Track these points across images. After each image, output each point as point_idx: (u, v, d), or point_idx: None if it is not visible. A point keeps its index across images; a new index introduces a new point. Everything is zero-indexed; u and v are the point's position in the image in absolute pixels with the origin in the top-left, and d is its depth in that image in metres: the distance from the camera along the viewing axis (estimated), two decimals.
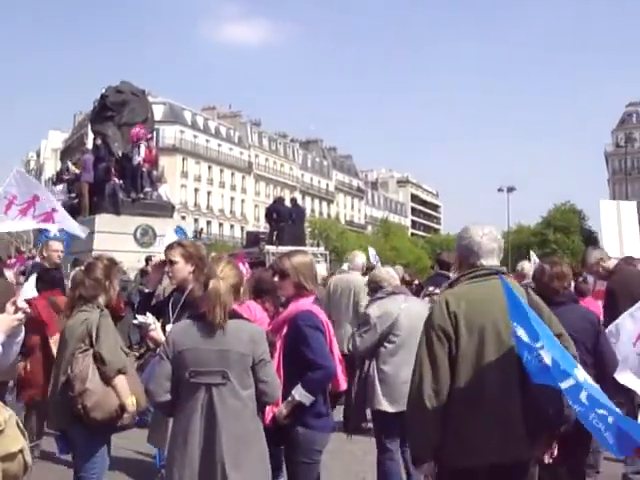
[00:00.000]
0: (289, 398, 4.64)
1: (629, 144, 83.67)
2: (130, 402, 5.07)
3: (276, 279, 5.07)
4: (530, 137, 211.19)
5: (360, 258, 10.89)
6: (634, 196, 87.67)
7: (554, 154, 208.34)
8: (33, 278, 7.82)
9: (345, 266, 12.76)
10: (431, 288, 9.18)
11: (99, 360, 5.06)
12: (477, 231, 4.08)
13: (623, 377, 5.78)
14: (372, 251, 19.58)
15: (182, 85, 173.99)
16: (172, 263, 5.43)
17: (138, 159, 20.96)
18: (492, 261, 4.03)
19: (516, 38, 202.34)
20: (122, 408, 5.07)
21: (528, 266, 11.46)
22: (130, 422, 5.19)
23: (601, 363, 5.35)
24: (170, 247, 5.59)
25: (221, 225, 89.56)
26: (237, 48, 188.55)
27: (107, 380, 5.06)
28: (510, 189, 65.52)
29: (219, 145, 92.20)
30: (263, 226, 58.83)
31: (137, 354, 9.19)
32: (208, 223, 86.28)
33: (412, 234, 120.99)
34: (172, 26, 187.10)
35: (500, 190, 66.13)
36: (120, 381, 5.09)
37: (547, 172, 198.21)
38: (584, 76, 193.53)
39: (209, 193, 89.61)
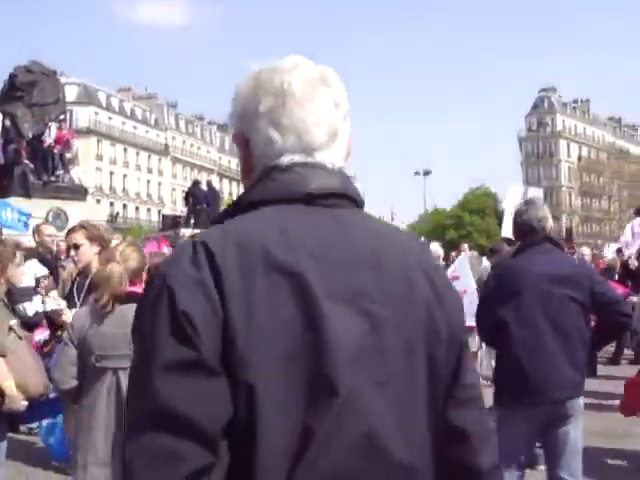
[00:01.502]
0: None
1: (541, 129, 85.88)
2: (8, 385, 4.93)
3: None
4: (448, 121, 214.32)
5: None
6: (545, 179, 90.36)
7: (471, 138, 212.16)
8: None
9: None
10: None
11: None
12: None
13: None
14: None
15: (97, 66, 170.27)
16: (77, 247, 5.31)
17: (49, 141, 20.52)
18: None
19: (433, 22, 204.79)
20: (1, 393, 4.93)
21: (436, 246, 13.66)
22: (17, 407, 5.01)
23: None
24: (73, 230, 5.47)
25: (137, 209, 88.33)
26: (154, 28, 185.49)
27: None
28: (426, 172, 66.34)
29: (135, 127, 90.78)
30: (180, 209, 58.31)
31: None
32: (124, 207, 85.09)
33: None
34: (85, 3, 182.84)
35: (417, 173, 66.95)
36: None
37: (464, 156, 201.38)
38: (501, 60, 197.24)
39: (125, 176, 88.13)
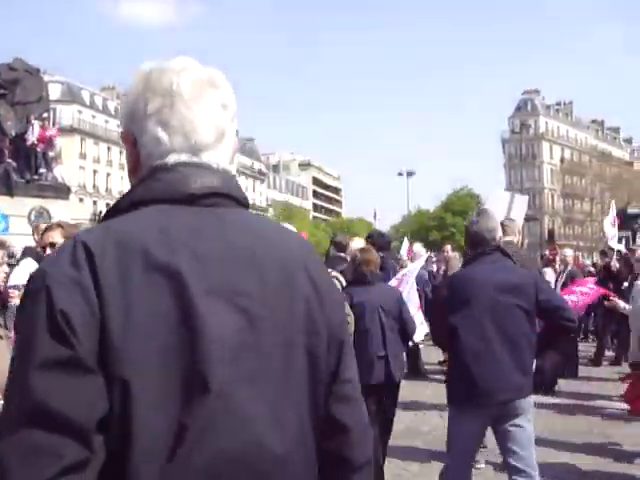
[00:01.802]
0: None
1: (524, 131, 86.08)
2: None
3: None
4: (432, 122, 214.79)
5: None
6: (528, 180, 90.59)
7: (454, 139, 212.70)
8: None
9: None
10: (329, 270, 9.29)
11: None
12: None
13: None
14: None
15: (80, 64, 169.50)
16: (53, 245, 5.25)
17: (32, 139, 20.44)
18: None
19: (418, 23, 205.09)
20: None
21: (419, 247, 14.34)
22: None
23: (404, 327, 6.45)
24: (50, 229, 5.40)
25: None
26: (138, 27, 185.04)
27: None
28: (410, 173, 66.22)
29: (118, 126, 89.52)
30: None
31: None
32: (107, 205, 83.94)
33: (314, 217, 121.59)
34: (70, 1, 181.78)
35: (400, 174, 66.84)
36: None
37: (447, 157, 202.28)
38: (485, 62, 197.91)
39: (108, 175, 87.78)
